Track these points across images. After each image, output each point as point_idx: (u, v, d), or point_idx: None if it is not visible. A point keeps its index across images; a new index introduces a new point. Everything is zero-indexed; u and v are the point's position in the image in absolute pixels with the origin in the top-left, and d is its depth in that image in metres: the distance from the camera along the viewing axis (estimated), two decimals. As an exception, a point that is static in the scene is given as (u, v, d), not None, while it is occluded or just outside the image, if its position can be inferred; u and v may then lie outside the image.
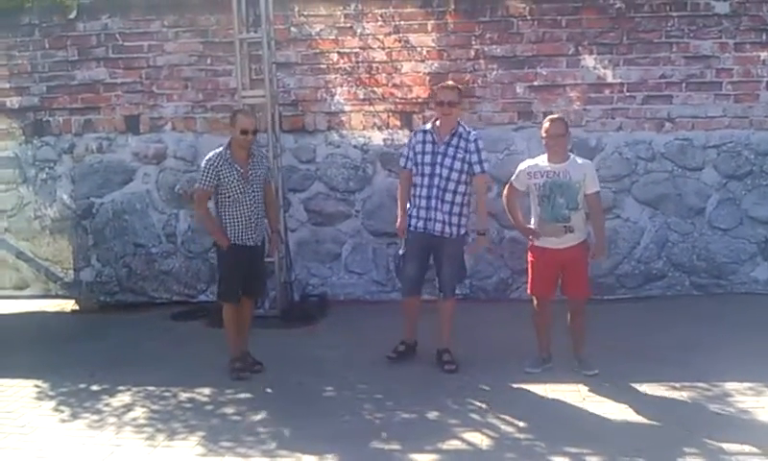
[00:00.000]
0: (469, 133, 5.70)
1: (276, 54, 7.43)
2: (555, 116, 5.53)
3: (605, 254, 5.78)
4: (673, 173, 7.50)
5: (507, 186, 5.66)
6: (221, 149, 5.60)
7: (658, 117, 7.47)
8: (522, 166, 5.52)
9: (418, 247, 5.71)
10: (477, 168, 5.62)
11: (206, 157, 5.63)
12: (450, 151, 5.61)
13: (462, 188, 5.65)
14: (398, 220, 5.83)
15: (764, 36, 7.33)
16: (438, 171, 5.60)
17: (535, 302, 5.61)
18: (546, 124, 5.40)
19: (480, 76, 7.55)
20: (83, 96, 7.92)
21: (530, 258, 5.58)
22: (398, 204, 5.89)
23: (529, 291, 5.65)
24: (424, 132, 5.77)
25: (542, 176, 5.35)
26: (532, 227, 5.52)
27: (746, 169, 7.46)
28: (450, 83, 6.08)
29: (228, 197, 5.57)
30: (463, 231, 5.73)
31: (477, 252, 5.81)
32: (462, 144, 5.62)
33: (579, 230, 5.38)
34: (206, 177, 5.56)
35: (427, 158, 5.64)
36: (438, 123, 5.72)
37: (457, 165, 5.60)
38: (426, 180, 5.63)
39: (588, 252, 5.49)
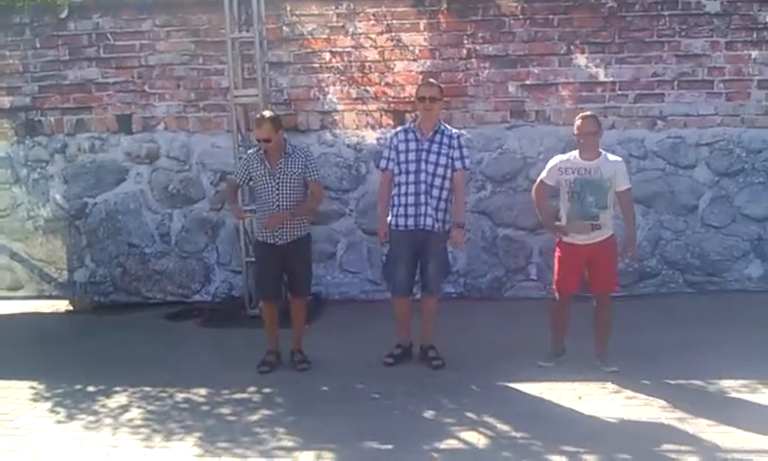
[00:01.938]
0: (452, 130, 5.77)
1: (268, 53, 7.41)
2: (587, 114, 5.53)
3: (636, 254, 5.85)
4: (665, 171, 7.53)
5: (537, 182, 5.67)
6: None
7: (650, 115, 7.50)
8: (554, 161, 5.54)
9: (405, 246, 5.71)
10: (458, 163, 5.68)
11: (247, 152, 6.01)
12: (434, 147, 5.64)
13: (447, 184, 5.68)
14: (380, 224, 5.86)
15: (755, 35, 7.36)
16: (423, 167, 5.62)
17: (557, 296, 5.63)
18: (578, 121, 5.42)
19: (472, 75, 7.56)
20: (74, 96, 7.88)
21: (557, 254, 5.60)
22: (379, 207, 5.92)
23: (554, 286, 5.67)
24: (405, 131, 5.78)
25: (574, 172, 5.37)
26: (560, 223, 5.53)
27: (738, 167, 7.50)
28: (431, 80, 6.11)
29: (257, 193, 5.76)
30: (448, 227, 5.77)
31: (457, 244, 5.83)
32: (445, 140, 5.66)
33: (606, 226, 5.40)
34: (239, 169, 5.94)
35: (411, 156, 5.66)
36: (419, 121, 5.75)
37: (442, 160, 5.63)
38: (412, 177, 5.64)
39: (616, 246, 5.52)
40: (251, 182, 5.83)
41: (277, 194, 5.62)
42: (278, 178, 5.62)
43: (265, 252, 5.79)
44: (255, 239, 5.99)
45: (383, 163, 5.84)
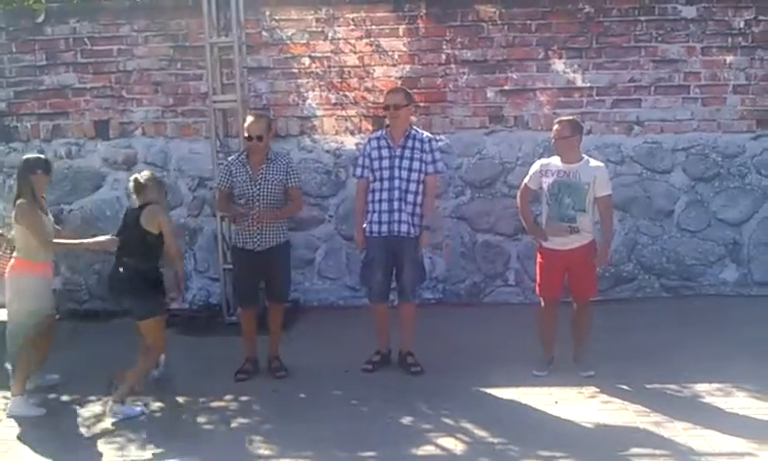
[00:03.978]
0: (423, 134, 5.79)
1: (247, 58, 7.39)
2: (563, 118, 5.60)
3: (606, 261, 5.84)
4: (642, 176, 7.58)
5: (521, 187, 5.69)
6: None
7: (627, 121, 7.55)
8: (536, 165, 5.60)
9: (381, 252, 5.72)
10: (430, 168, 5.71)
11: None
12: (407, 153, 5.67)
13: (421, 188, 5.72)
14: (357, 232, 5.88)
15: (730, 41, 7.44)
16: (397, 174, 5.65)
17: (542, 302, 5.65)
18: (555, 126, 5.48)
19: (451, 80, 7.57)
20: (51, 101, 7.80)
21: (538, 260, 5.64)
22: (356, 215, 5.94)
23: (537, 292, 5.70)
24: (378, 138, 5.80)
25: (553, 174, 5.43)
26: (540, 228, 5.56)
27: (714, 171, 7.57)
28: (397, 86, 6.13)
29: (237, 198, 5.69)
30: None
31: (423, 245, 5.82)
32: (417, 145, 5.69)
33: (585, 232, 5.43)
34: (221, 176, 5.85)
35: (385, 163, 5.68)
36: (389, 128, 5.76)
37: (415, 165, 5.67)
38: (386, 183, 5.66)
39: (596, 252, 5.55)
40: (232, 189, 5.76)
41: (258, 200, 5.60)
42: (260, 184, 5.60)
43: (243, 258, 5.77)
44: (233, 245, 5.94)
45: (358, 171, 5.86)
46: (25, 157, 5.80)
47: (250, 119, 5.70)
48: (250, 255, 5.69)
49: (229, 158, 5.97)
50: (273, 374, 5.80)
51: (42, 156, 6.00)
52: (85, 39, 7.71)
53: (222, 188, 5.82)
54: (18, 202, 5.35)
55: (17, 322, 5.37)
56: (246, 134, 5.65)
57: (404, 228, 5.64)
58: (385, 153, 5.69)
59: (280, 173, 5.68)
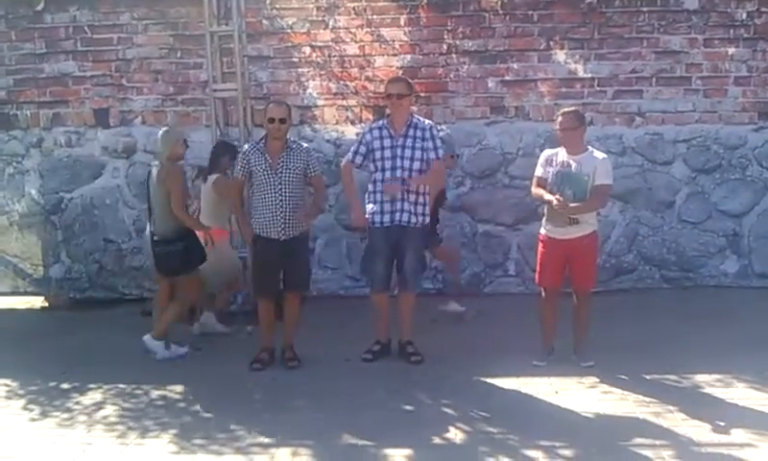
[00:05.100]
0: (424, 122, 5.76)
1: (247, 47, 7.38)
2: (568, 109, 5.56)
3: (567, 209, 5.29)
4: (643, 167, 7.58)
5: (534, 180, 5.55)
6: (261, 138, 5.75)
7: (628, 112, 7.54)
8: (544, 155, 5.56)
9: (383, 242, 5.70)
10: (432, 154, 5.67)
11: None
12: (409, 142, 5.63)
13: (425, 167, 5.68)
14: (354, 212, 5.85)
15: (732, 32, 7.43)
16: (399, 163, 5.62)
17: (543, 293, 5.64)
18: (559, 117, 5.44)
19: (452, 70, 7.57)
20: (51, 89, 7.81)
21: (539, 249, 5.61)
22: (347, 196, 5.96)
23: (537, 281, 5.68)
24: (379, 128, 5.76)
25: (557, 165, 5.40)
26: (545, 217, 5.54)
27: (715, 163, 7.56)
28: (399, 75, 6.09)
29: (256, 186, 5.66)
30: (427, 220, 5.78)
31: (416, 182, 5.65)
32: (419, 134, 5.65)
33: (586, 223, 5.39)
34: (239, 165, 5.77)
35: (387, 153, 5.65)
36: (391, 117, 5.74)
37: (417, 154, 5.64)
38: (388, 173, 5.63)
39: (597, 243, 5.53)
40: (251, 178, 5.73)
41: (280, 188, 5.55)
42: (280, 172, 5.56)
43: (264, 247, 5.68)
44: (255, 234, 5.76)
45: (350, 155, 5.82)
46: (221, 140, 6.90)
47: (271, 105, 5.69)
48: (271, 245, 5.63)
49: (246, 147, 5.92)
50: (285, 363, 5.77)
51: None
52: (85, 27, 7.71)
53: (238, 176, 5.78)
54: (216, 177, 6.45)
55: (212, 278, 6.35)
56: (269, 117, 5.56)
57: (406, 217, 5.62)
58: (387, 142, 5.66)
59: (301, 161, 5.65)
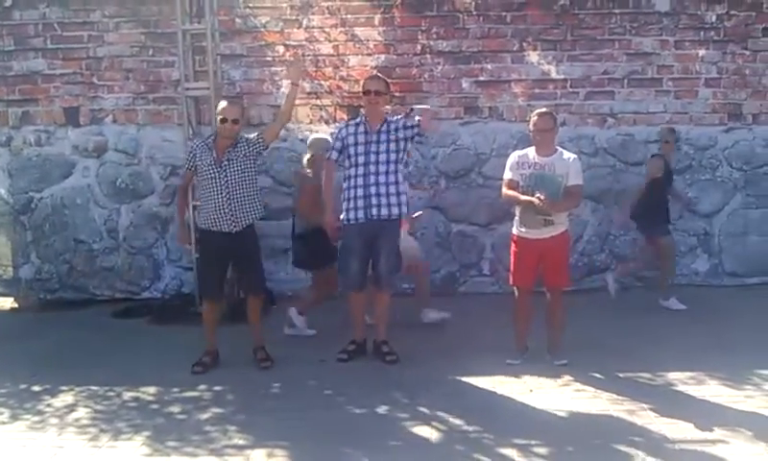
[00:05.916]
0: (398, 118, 5.75)
1: (220, 45, 7.34)
2: (543, 111, 5.56)
3: (553, 208, 5.26)
4: (615, 168, 7.65)
5: (505, 182, 5.52)
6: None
7: (600, 113, 7.62)
8: (512, 158, 5.54)
9: (357, 239, 5.69)
10: (409, 143, 5.76)
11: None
12: (383, 137, 5.64)
13: (399, 177, 5.70)
14: (327, 214, 5.83)
15: (702, 34, 7.53)
16: (373, 159, 5.62)
17: (516, 292, 5.65)
18: (534, 118, 5.44)
19: (427, 70, 7.58)
20: (20, 87, 7.69)
21: (512, 249, 5.62)
22: (324, 196, 5.89)
23: (510, 281, 5.69)
24: (356, 124, 5.76)
25: (529, 167, 5.40)
26: (517, 218, 5.54)
27: (686, 163, 7.66)
28: (376, 73, 6.15)
29: (201, 180, 5.60)
30: (404, 210, 5.77)
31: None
32: (392, 128, 5.65)
33: (559, 223, 5.42)
34: (187, 160, 5.74)
35: (360, 149, 5.65)
36: (367, 114, 5.74)
37: (392, 147, 5.64)
38: (362, 169, 5.63)
39: (569, 242, 5.54)
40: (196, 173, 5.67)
41: (225, 182, 5.49)
42: (225, 169, 5.51)
43: (210, 243, 5.63)
44: (200, 230, 5.73)
45: (334, 154, 5.80)
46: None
47: (224, 103, 5.61)
48: (218, 240, 5.56)
49: (195, 141, 5.88)
50: (258, 364, 5.73)
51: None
52: (55, 25, 7.61)
53: (186, 171, 5.76)
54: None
55: None
56: (221, 117, 5.50)
57: (381, 211, 5.61)
58: (361, 138, 5.65)
59: (245, 157, 5.56)
